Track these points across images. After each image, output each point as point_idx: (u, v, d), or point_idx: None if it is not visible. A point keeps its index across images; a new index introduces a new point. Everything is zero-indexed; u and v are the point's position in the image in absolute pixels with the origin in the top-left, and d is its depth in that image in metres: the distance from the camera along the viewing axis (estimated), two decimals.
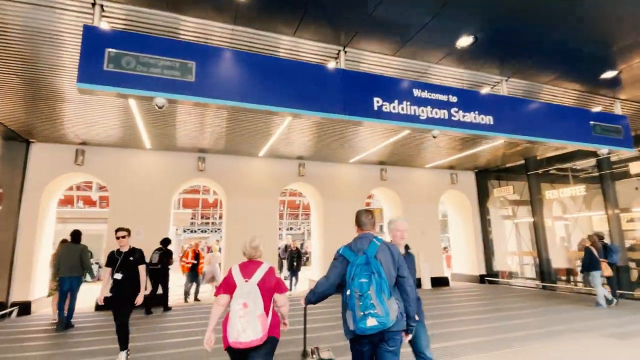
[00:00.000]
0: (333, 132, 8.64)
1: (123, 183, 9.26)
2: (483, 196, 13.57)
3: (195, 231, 27.12)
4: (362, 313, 2.31)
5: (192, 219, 26.20)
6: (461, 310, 8.22)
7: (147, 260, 6.12)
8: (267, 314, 2.61)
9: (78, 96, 6.27)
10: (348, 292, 2.43)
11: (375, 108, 4.68)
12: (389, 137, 9.05)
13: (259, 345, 2.50)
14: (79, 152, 8.89)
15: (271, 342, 2.63)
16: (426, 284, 11.67)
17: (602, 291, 8.05)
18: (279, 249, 12.65)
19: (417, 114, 4.90)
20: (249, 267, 2.79)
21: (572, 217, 14.05)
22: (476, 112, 5.28)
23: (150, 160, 9.61)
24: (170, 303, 8.71)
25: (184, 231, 26.46)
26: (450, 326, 6.69)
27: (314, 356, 3.39)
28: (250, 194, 10.42)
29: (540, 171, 11.78)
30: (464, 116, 5.19)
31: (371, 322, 2.29)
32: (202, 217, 27.47)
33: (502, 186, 12.83)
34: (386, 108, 4.74)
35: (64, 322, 6.63)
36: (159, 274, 8.36)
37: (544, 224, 11.43)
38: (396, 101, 4.81)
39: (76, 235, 7.12)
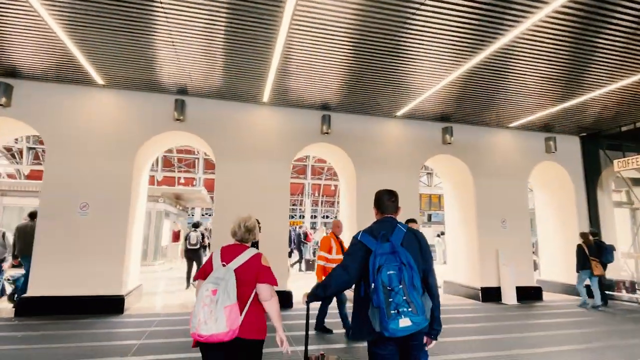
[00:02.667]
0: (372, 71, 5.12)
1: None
2: (593, 172, 9.35)
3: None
4: (393, 312, 1.85)
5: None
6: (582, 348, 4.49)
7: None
8: (242, 307, 2.16)
9: None
10: (372, 286, 1.93)
11: None
12: (453, 68, 5.38)
13: (225, 343, 2.07)
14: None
15: (248, 346, 2.18)
16: (509, 297, 7.88)
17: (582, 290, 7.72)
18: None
19: None
20: (231, 250, 2.37)
21: None
22: None
23: (106, 102, 6.69)
24: None
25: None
26: None
27: None
28: (250, 155, 7.23)
29: None
30: None
31: (404, 322, 1.84)
32: None
33: (629, 157, 8.56)
34: None
35: None
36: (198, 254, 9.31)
37: None
38: None
39: None
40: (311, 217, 40.51)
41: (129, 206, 6.47)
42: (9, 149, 20.41)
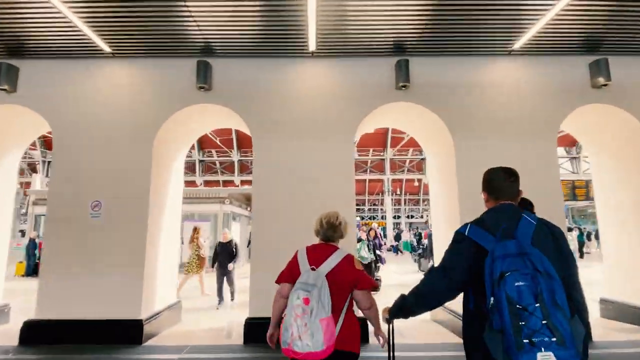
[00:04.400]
0: None
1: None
2: None
3: None
4: (525, 341, 1.26)
5: None
6: None
7: None
8: (336, 318, 1.94)
9: None
10: (491, 301, 1.39)
11: None
12: None
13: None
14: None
15: (344, 357, 1.95)
16: None
17: None
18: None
19: None
20: (318, 251, 2.12)
21: None
22: None
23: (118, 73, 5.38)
24: None
25: None
26: None
27: None
28: (297, 128, 5.24)
29: None
30: None
31: (544, 357, 1.23)
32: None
33: None
34: None
35: None
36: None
37: None
38: None
39: None
40: (394, 217, 37.48)
41: (147, 207, 5.02)
42: None
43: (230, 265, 7.65)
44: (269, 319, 2.24)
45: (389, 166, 25.47)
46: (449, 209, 5.45)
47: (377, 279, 8.33)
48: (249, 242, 7.99)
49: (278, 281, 2.17)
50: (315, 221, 2.23)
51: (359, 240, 8.49)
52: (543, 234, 1.53)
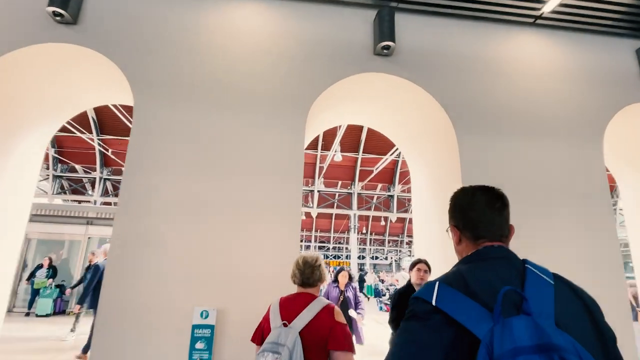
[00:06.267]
0: None
1: None
2: None
3: None
4: None
5: None
6: None
7: None
8: None
9: None
10: None
11: None
12: None
13: None
14: None
15: None
16: None
17: None
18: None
19: None
20: (293, 302, 1.78)
21: None
22: None
23: None
24: None
25: None
26: None
27: None
28: (213, 98, 3.22)
29: None
30: None
31: None
32: None
33: None
34: None
35: None
36: None
37: None
38: None
39: None
40: (358, 257, 35.44)
41: None
42: None
43: None
44: None
45: (356, 201, 23.80)
46: (431, 249, 3.52)
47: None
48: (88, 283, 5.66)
49: (252, 340, 1.82)
50: (295, 262, 1.90)
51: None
52: (569, 301, 0.83)
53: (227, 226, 2.85)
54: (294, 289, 1.91)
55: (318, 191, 23.43)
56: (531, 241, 3.06)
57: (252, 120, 3.15)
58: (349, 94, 3.65)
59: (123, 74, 3.14)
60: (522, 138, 3.44)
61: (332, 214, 31.45)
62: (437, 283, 0.86)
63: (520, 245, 1.25)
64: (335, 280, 5.03)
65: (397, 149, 17.41)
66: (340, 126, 15.16)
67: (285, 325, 1.65)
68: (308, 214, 28.56)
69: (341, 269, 5.13)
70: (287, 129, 3.18)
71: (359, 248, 36.43)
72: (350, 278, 5.14)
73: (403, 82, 3.46)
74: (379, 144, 18.64)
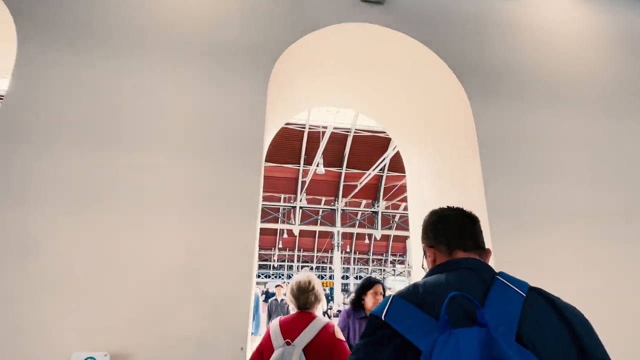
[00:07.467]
0: None
1: None
2: None
3: None
4: None
5: None
6: None
7: None
8: None
9: None
10: None
11: None
12: None
13: None
14: None
15: None
16: None
17: None
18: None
19: None
20: (294, 322, 1.82)
21: None
22: None
23: None
24: None
25: None
26: None
27: None
28: (141, 50, 2.30)
29: None
30: None
31: None
32: None
33: None
34: None
35: None
36: None
37: None
38: None
39: None
40: (342, 277, 34.18)
41: None
42: None
43: None
44: None
45: (339, 217, 22.86)
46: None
47: None
48: None
49: None
50: (290, 285, 1.94)
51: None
52: (543, 315, 0.78)
53: (139, 226, 1.86)
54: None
55: (300, 207, 22.41)
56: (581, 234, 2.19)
57: (189, 74, 2.22)
58: (326, 52, 2.78)
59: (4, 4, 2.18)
60: (556, 109, 2.63)
61: (315, 232, 30.29)
62: (391, 297, 0.86)
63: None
64: None
65: (382, 161, 16.73)
66: (323, 133, 14.40)
67: (288, 343, 1.69)
68: (290, 232, 27.40)
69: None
70: (241, 87, 2.25)
71: (343, 267, 35.21)
72: None
73: (400, 37, 2.62)
74: (363, 158, 18.00)
